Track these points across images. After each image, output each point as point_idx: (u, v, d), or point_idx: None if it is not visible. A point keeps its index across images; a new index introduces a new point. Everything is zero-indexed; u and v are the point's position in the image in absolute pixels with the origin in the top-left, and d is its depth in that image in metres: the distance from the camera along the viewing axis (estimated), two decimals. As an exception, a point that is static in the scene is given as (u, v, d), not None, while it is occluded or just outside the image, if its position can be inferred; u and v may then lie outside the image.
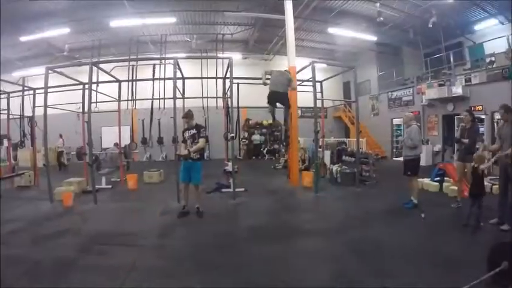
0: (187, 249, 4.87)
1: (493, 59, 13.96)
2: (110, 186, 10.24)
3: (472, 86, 14.18)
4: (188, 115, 6.78)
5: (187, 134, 6.64)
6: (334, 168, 10.87)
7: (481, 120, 13.25)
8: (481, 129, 12.90)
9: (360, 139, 11.16)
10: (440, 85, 15.50)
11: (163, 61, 15.96)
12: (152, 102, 13.52)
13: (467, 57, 15.92)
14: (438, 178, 9.20)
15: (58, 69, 9.41)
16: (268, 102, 8.30)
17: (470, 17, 15.03)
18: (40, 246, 4.95)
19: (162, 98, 12.53)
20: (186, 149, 6.48)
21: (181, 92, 10.87)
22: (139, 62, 16.12)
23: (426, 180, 9.44)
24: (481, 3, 13.45)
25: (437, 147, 16.06)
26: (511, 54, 12.55)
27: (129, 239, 5.27)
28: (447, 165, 9.56)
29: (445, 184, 8.90)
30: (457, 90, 14.38)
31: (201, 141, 6.53)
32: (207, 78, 13.34)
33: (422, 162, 15.06)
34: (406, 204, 7.21)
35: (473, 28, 15.64)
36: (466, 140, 7.29)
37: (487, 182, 8.85)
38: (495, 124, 12.88)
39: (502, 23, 14.34)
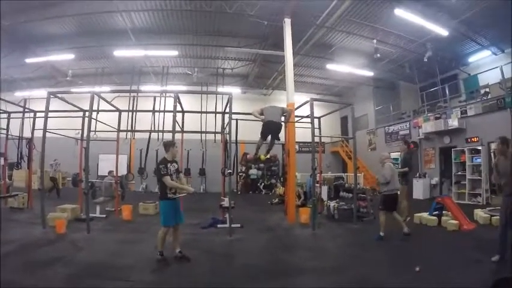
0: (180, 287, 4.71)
1: (487, 90, 14.22)
2: (104, 216, 10.10)
3: (467, 118, 14.38)
4: (174, 144, 6.07)
5: (172, 168, 5.83)
6: (332, 204, 10.77)
7: (478, 151, 13.38)
8: (478, 160, 13.26)
9: (358, 174, 11.14)
10: (436, 118, 15.70)
11: (164, 93, 16.20)
12: (150, 134, 13.52)
13: (462, 89, 16.22)
14: (436, 212, 9.12)
15: (60, 95, 9.54)
16: (262, 133, 8.47)
17: (464, 50, 15.43)
18: (29, 274, 4.82)
19: (160, 131, 12.58)
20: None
21: (180, 125, 10.92)
22: (141, 93, 16.32)
23: (424, 215, 9.34)
24: (473, 35, 13.83)
25: (435, 180, 16.03)
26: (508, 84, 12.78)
27: (121, 273, 5.09)
28: (445, 198, 9.49)
29: (443, 218, 8.82)
30: (453, 122, 14.60)
31: (182, 175, 6.03)
32: (207, 112, 13.45)
33: (420, 196, 15.24)
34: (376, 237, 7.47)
35: (467, 60, 16.05)
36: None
37: (485, 214, 8.87)
38: (492, 155, 12.97)
39: (495, 54, 14.70)
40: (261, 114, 8.54)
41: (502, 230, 5.31)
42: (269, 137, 8.68)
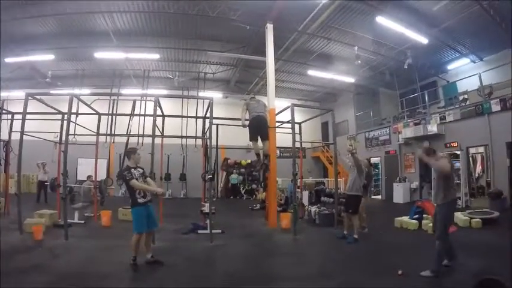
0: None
1: (466, 96, 14.57)
2: (82, 222, 9.83)
3: (446, 124, 14.66)
4: (135, 151, 6.13)
5: (137, 173, 5.82)
6: (313, 209, 10.80)
7: (457, 156, 13.69)
8: (457, 165, 13.43)
9: (338, 179, 11.19)
10: (416, 124, 15.99)
11: (144, 97, 16.00)
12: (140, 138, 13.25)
13: (441, 96, 16.64)
14: (417, 216, 9.24)
15: (38, 96, 9.29)
16: (250, 133, 8.48)
17: (444, 58, 15.90)
18: (4, 282, 4.61)
19: (140, 135, 12.40)
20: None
21: (160, 129, 10.78)
22: (121, 96, 16.09)
23: (405, 218, 9.45)
24: (453, 44, 14.21)
25: (415, 184, 16.26)
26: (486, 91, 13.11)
27: (99, 281, 4.94)
28: (425, 202, 9.63)
29: (424, 221, 8.95)
30: (432, 128, 14.85)
31: (150, 180, 6.05)
32: (187, 117, 13.35)
33: (400, 200, 15.43)
34: (347, 239, 7.77)
35: (446, 68, 16.57)
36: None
37: (465, 217, 9.05)
38: (470, 159, 13.29)
39: (474, 62, 15.20)
40: (246, 109, 8.67)
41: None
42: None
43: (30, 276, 5.00)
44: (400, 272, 5.09)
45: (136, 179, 5.68)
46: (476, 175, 13.53)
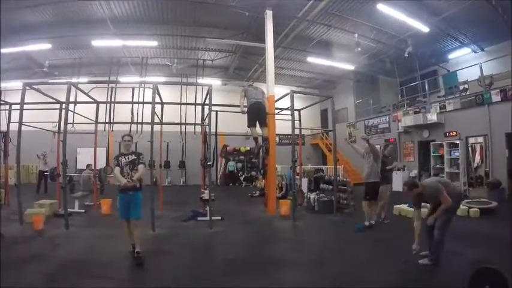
0: (160, 283, 4.58)
1: (466, 86, 14.57)
2: (83, 211, 9.89)
3: (446, 113, 14.71)
4: (128, 138, 5.92)
5: (124, 160, 5.71)
6: (312, 196, 10.85)
7: (456, 145, 13.78)
8: (456, 154, 13.75)
9: (337, 166, 11.20)
10: (415, 112, 15.97)
11: (143, 84, 15.89)
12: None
13: (442, 85, 16.60)
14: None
15: (36, 86, 9.20)
16: (249, 119, 8.57)
17: (445, 47, 15.85)
18: (5, 272, 4.62)
19: (139, 123, 12.34)
20: (127, 179, 5.58)
21: (159, 117, 10.73)
22: (119, 84, 15.99)
23: (404, 206, 9.48)
24: (454, 33, 14.15)
25: (414, 172, 16.33)
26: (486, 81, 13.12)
27: (99, 270, 4.95)
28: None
29: (422, 210, 8.94)
30: (432, 117, 14.90)
31: (142, 167, 5.76)
32: (186, 104, 13.28)
33: (399, 188, 15.46)
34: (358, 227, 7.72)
35: (447, 57, 16.53)
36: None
37: (463, 206, 9.08)
38: (469, 148, 13.35)
39: (475, 52, 15.15)
40: (244, 96, 8.82)
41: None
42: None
43: (30, 266, 5.01)
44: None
45: (122, 167, 5.66)
46: (475, 165, 13.55)
